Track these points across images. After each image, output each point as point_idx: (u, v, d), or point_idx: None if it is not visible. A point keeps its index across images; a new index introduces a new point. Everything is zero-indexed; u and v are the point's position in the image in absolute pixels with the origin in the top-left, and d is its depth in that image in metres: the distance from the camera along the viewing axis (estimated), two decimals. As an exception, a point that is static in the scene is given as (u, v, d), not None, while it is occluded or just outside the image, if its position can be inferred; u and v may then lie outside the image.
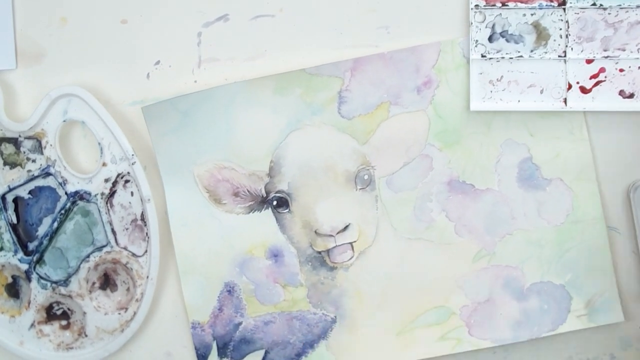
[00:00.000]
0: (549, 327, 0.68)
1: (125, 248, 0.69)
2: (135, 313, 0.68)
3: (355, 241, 0.68)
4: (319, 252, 0.68)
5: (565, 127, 0.68)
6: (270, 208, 0.68)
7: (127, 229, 0.69)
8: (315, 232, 0.68)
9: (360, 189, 0.68)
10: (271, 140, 0.68)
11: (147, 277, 0.68)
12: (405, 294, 0.68)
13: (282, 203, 0.68)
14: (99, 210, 0.69)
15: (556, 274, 0.68)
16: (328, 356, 0.68)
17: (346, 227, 0.68)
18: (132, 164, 0.68)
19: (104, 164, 0.68)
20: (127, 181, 0.68)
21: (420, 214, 0.68)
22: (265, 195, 0.68)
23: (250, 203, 0.69)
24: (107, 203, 0.68)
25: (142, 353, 0.71)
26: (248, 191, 0.68)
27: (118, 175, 0.68)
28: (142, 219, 0.68)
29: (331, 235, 0.68)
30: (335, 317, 0.69)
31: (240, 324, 0.69)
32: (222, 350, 0.69)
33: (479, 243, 0.68)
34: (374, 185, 0.68)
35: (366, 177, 0.68)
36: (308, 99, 0.68)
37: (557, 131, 0.68)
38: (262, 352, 0.69)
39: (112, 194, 0.68)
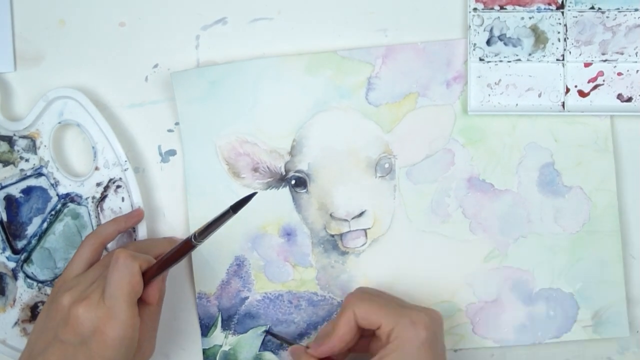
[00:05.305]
0: (553, 334, 0.68)
1: (113, 253, 0.69)
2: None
3: (369, 228, 0.68)
4: (332, 236, 0.68)
5: (590, 137, 0.68)
6: (288, 186, 0.68)
7: (116, 233, 0.69)
8: (331, 215, 0.68)
9: (379, 176, 0.68)
10: (296, 119, 0.68)
11: None
12: (414, 285, 0.68)
13: (300, 183, 0.68)
14: (89, 214, 0.69)
15: (566, 282, 0.68)
16: (330, 339, 0.69)
17: (362, 213, 0.68)
18: (125, 170, 0.68)
19: (97, 168, 0.69)
20: (118, 187, 0.69)
21: (437, 208, 0.68)
22: (284, 173, 0.68)
23: (269, 179, 0.69)
24: (97, 207, 0.69)
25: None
26: (268, 167, 0.68)
27: (110, 180, 0.69)
28: (132, 224, 0.69)
29: (346, 220, 0.68)
30: (342, 301, 0.68)
31: (246, 298, 0.69)
32: (226, 323, 0.69)
33: (493, 243, 0.68)
34: (394, 174, 0.68)
35: (387, 165, 0.68)
36: (337, 81, 0.68)
37: (581, 139, 0.68)
38: (265, 329, 0.69)
39: (103, 198, 0.69)
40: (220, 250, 0.69)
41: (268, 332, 0.68)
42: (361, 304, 0.61)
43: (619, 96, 0.67)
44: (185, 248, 0.59)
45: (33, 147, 0.69)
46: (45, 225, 0.69)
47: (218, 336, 0.69)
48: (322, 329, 0.66)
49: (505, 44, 0.67)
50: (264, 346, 0.69)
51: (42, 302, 0.69)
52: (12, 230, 0.69)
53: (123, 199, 0.69)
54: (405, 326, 0.59)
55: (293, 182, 0.68)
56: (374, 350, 0.62)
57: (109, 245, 0.68)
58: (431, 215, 0.68)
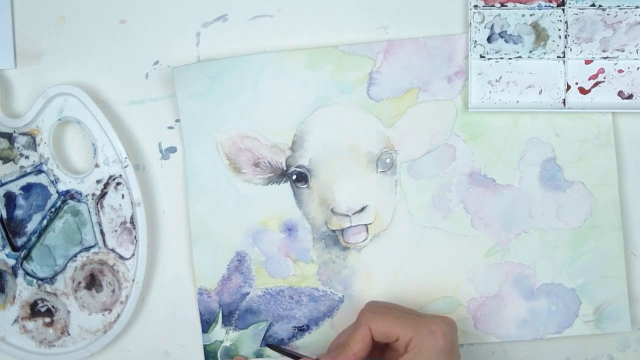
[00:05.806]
0: (555, 329, 0.68)
1: (112, 250, 0.69)
2: (119, 315, 0.68)
3: (370, 223, 0.68)
4: (333, 231, 0.68)
5: (592, 131, 0.68)
6: (289, 182, 0.68)
7: (115, 231, 0.69)
8: (332, 210, 0.68)
9: (381, 171, 0.68)
10: (297, 114, 0.68)
11: (133, 280, 0.68)
12: (415, 281, 0.68)
13: (301, 178, 0.68)
14: (89, 211, 0.69)
15: (568, 277, 0.68)
16: (332, 334, 0.68)
17: (363, 209, 0.68)
18: (125, 167, 0.68)
19: (97, 165, 0.68)
20: (118, 184, 0.68)
21: (438, 203, 0.68)
22: (285, 168, 0.68)
23: (270, 175, 0.68)
24: (97, 204, 0.69)
25: (140, 352, 0.70)
26: (269, 163, 0.68)
27: (110, 177, 0.68)
28: (132, 222, 0.68)
29: (347, 215, 0.68)
30: (343, 296, 0.68)
31: (247, 294, 0.69)
32: (226, 318, 0.69)
33: (494, 238, 0.68)
34: (395, 169, 0.68)
35: (388, 160, 0.68)
36: (338, 77, 0.68)
37: (583, 134, 0.68)
38: (266, 324, 0.69)
39: (102, 195, 0.69)
40: (221, 245, 0.69)
41: (269, 345, 0.68)
42: (377, 318, 0.61)
43: (620, 93, 0.67)
44: None
45: (33, 144, 0.69)
46: (45, 222, 0.69)
47: (219, 332, 0.69)
48: (334, 341, 0.65)
49: (506, 41, 0.67)
50: (265, 342, 0.69)
51: (42, 300, 0.69)
52: (12, 227, 0.69)
53: (123, 196, 0.68)
54: (423, 335, 0.59)
55: (294, 177, 0.68)
56: (389, 359, 0.62)
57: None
58: (432, 211, 0.68)
